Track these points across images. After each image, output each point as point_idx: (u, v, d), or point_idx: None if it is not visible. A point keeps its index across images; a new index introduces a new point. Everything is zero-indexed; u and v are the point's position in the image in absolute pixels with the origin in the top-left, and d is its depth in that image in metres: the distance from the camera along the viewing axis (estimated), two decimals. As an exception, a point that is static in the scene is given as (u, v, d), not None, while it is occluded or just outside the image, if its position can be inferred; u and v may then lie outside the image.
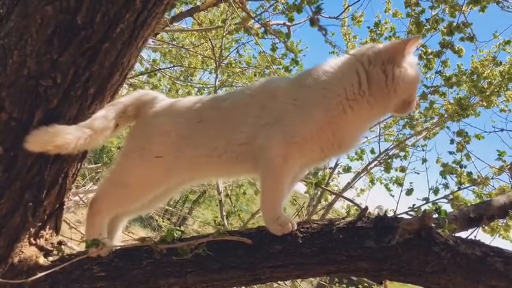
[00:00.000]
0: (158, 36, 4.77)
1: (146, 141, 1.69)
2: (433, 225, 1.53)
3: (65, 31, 1.52)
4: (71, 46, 1.54)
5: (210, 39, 4.36)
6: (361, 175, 4.58)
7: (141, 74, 4.40)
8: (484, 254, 1.38)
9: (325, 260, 1.44)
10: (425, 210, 1.72)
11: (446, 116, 4.40)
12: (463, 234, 1.73)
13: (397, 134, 5.02)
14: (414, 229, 1.38)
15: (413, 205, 2.04)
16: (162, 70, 4.40)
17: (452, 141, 3.80)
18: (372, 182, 5.28)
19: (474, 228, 1.67)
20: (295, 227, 1.48)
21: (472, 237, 1.68)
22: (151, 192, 1.70)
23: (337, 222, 1.48)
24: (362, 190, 5.83)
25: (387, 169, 4.17)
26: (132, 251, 1.63)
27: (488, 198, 2.07)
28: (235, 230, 1.66)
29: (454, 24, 3.21)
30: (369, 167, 4.56)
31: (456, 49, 3.39)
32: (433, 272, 1.36)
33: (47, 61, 1.54)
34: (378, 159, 4.39)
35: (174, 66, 4.59)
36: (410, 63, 1.59)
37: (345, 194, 5.94)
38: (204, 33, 4.75)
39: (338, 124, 1.52)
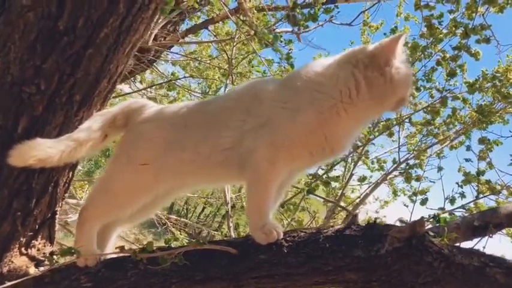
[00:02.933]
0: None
1: (133, 148, 1.65)
2: (431, 233, 1.44)
3: (48, 37, 1.52)
4: (54, 52, 1.53)
5: (225, 51, 4.34)
6: (379, 186, 4.43)
7: (152, 86, 4.43)
8: (482, 264, 1.27)
9: (312, 270, 1.36)
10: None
11: (469, 123, 4.22)
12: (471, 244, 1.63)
13: (420, 143, 4.85)
14: (404, 237, 1.28)
15: (429, 215, 1.94)
16: (173, 81, 4.41)
17: (468, 148, 3.64)
18: (395, 193, 5.11)
19: (480, 238, 1.55)
20: (281, 236, 1.41)
21: (480, 246, 1.58)
22: (139, 200, 1.66)
23: (324, 231, 1.40)
24: (386, 202, 5.67)
25: (408, 179, 4.02)
26: (120, 261, 1.59)
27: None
28: (222, 239, 1.60)
29: (470, 26, 3.08)
30: (388, 178, 4.41)
31: (473, 52, 3.25)
32: (426, 283, 1.26)
33: (30, 68, 1.53)
34: (398, 169, 4.23)
35: (185, 77, 4.59)
36: (402, 60, 1.53)
37: (368, 206, 5.80)
38: (221, 44, 4.75)
39: (331, 127, 1.46)
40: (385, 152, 5.12)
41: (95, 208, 1.68)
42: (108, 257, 1.64)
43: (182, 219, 5.02)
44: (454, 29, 3.52)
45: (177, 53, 4.69)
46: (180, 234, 4.73)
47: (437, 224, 1.50)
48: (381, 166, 4.85)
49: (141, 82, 4.59)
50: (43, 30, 1.51)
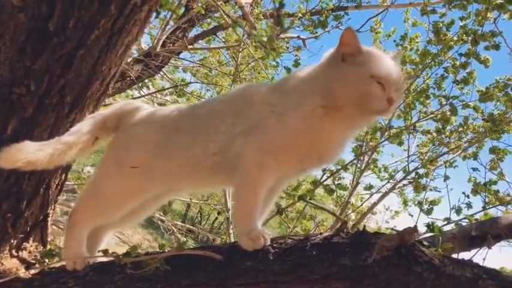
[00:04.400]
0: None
1: (123, 151, 1.63)
2: (425, 243, 1.39)
3: (38, 38, 1.51)
4: (44, 53, 1.52)
5: (234, 57, 4.33)
6: (387, 195, 4.34)
7: (157, 91, 4.43)
8: (475, 276, 1.21)
9: (298, 278, 1.31)
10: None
11: (482, 132, 4.12)
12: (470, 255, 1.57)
13: (431, 153, 4.75)
14: (393, 246, 1.23)
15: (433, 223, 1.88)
16: (181, 87, 4.41)
17: (475, 157, 3.54)
18: (405, 203, 5.01)
19: (478, 249, 1.49)
20: (268, 242, 1.37)
21: (479, 257, 1.52)
22: (129, 204, 1.64)
23: (312, 238, 1.36)
24: (397, 212, 5.56)
25: (417, 189, 3.94)
26: (107, 265, 1.57)
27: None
28: (208, 245, 1.57)
29: (480, 32, 3.02)
30: (397, 187, 4.32)
31: (482, 59, 3.18)
32: (415, 294, 1.20)
33: (20, 69, 1.53)
34: (408, 178, 4.15)
35: (190, 82, 4.59)
36: (359, 61, 1.43)
37: (378, 216, 5.69)
38: (230, 51, 4.75)
39: (315, 133, 1.41)
40: (396, 161, 5.05)
41: (84, 211, 1.66)
42: (99, 260, 1.62)
43: (186, 225, 4.99)
44: (464, 35, 3.46)
45: (184, 59, 4.68)
46: (187, 240, 4.71)
47: (432, 234, 1.44)
48: (390, 175, 4.77)
49: (148, 87, 4.59)
50: (33, 31, 1.50)
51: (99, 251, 1.52)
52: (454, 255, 1.48)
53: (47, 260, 1.78)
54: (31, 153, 1.50)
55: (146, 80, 4.77)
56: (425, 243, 1.39)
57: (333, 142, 1.45)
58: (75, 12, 1.51)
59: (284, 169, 1.46)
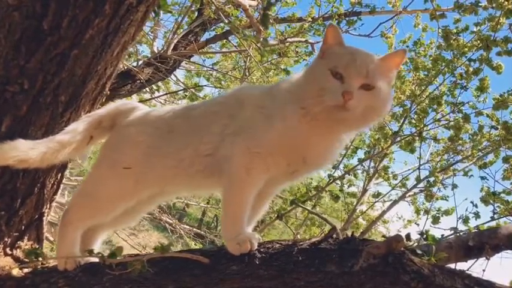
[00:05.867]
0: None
1: (116, 152, 1.63)
2: (419, 251, 1.34)
3: (32, 37, 1.52)
4: (38, 52, 1.53)
5: (245, 62, 4.33)
6: (397, 203, 4.26)
7: (165, 94, 4.45)
8: (466, 287, 1.15)
9: (283, 284, 1.28)
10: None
11: (497, 141, 4.02)
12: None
13: (445, 161, 4.65)
14: (381, 253, 1.18)
15: (442, 235, 1.82)
16: (191, 91, 4.41)
17: (484, 165, 3.44)
18: (418, 212, 4.91)
19: (475, 259, 1.43)
20: (255, 247, 1.34)
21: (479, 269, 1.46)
22: (121, 205, 1.62)
23: (300, 243, 1.32)
24: (409, 221, 5.46)
25: (428, 197, 3.85)
26: (97, 266, 1.56)
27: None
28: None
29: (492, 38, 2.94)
30: (407, 195, 4.24)
31: (494, 65, 3.10)
32: (402, 304, 1.16)
33: (14, 67, 1.53)
34: (418, 187, 4.07)
35: (197, 86, 4.59)
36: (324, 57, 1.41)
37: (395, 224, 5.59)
38: (242, 55, 4.74)
39: (298, 136, 1.37)
40: (409, 169, 4.96)
41: (77, 211, 1.65)
42: (91, 260, 1.61)
43: (194, 229, 4.99)
44: (478, 42, 3.38)
45: (195, 63, 4.69)
46: (195, 244, 4.70)
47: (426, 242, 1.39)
48: (402, 183, 4.69)
49: (158, 91, 4.61)
50: (28, 29, 1.51)
51: (84, 251, 1.51)
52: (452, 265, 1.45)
53: (40, 259, 1.80)
54: (23, 151, 1.49)
55: (160, 83, 4.80)
56: (419, 251, 1.34)
57: (316, 146, 1.41)
58: (69, 11, 1.51)
59: (272, 172, 1.43)
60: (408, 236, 1.37)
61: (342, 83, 1.32)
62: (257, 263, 1.31)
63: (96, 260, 1.58)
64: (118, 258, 1.39)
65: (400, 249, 1.19)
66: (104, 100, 1.87)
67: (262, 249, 1.34)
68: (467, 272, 1.22)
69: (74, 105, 1.67)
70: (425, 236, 1.37)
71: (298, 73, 1.50)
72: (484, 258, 1.45)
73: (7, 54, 1.52)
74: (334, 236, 1.32)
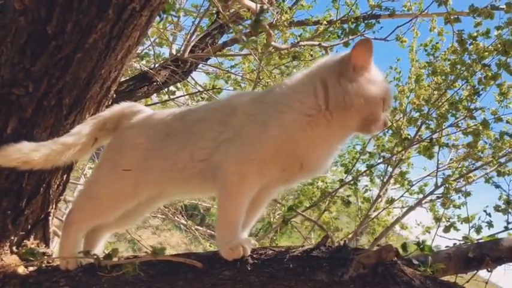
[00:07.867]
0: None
1: (117, 154, 1.65)
2: (415, 261, 1.32)
3: (37, 41, 1.54)
4: (43, 56, 1.56)
5: (261, 65, 4.32)
6: (413, 209, 4.18)
7: (185, 95, 4.47)
8: (458, 300, 1.13)
9: (273, 291, 1.27)
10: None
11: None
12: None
13: (465, 168, 4.55)
14: (371, 263, 1.17)
15: (454, 243, 1.78)
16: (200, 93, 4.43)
17: (502, 173, 3.34)
18: (436, 219, 4.82)
19: (475, 271, 1.40)
20: (248, 253, 1.34)
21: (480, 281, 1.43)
22: (122, 206, 1.65)
23: (293, 250, 1.31)
24: (428, 228, 5.36)
25: (445, 204, 3.77)
26: (97, 267, 1.58)
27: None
28: (190, 252, 1.55)
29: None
30: (423, 202, 4.15)
31: (513, 71, 3.02)
32: (391, 316, 1.14)
33: (20, 70, 1.57)
34: (435, 193, 3.98)
35: (207, 89, 4.60)
36: (370, 78, 1.40)
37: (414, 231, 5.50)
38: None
39: (296, 142, 1.37)
40: (428, 175, 4.87)
41: (80, 212, 1.69)
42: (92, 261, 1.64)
43: (208, 231, 5.03)
44: (499, 46, 3.30)
45: (210, 65, 4.71)
46: (210, 246, 4.72)
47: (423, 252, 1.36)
48: (420, 189, 4.61)
49: (174, 93, 4.65)
50: (33, 34, 1.54)
51: (79, 252, 1.53)
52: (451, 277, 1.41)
53: (46, 258, 1.84)
54: (26, 153, 1.53)
55: (179, 85, 4.85)
56: (416, 261, 1.32)
57: (315, 152, 1.41)
58: (73, 16, 1.53)
59: (267, 178, 1.43)
60: (404, 246, 1.35)
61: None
62: (249, 269, 1.31)
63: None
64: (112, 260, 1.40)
65: (392, 259, 1.17)
66: (110, 102, 1.89)
67: (255, 255, 1.35)
68: (460, 284, 1.19)
69: (79, 107, 1.69)
70: (422, 246, 1.33)
71: (294, 78, 1.49)
72: (487, 270, 1.41)
73: (13, 57, 1.56)
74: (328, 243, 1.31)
